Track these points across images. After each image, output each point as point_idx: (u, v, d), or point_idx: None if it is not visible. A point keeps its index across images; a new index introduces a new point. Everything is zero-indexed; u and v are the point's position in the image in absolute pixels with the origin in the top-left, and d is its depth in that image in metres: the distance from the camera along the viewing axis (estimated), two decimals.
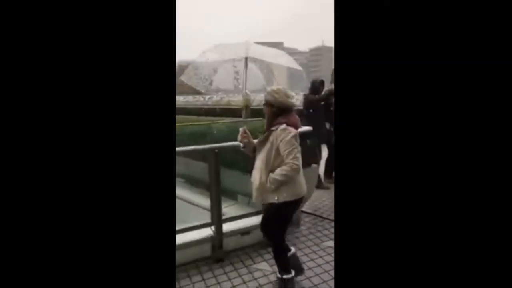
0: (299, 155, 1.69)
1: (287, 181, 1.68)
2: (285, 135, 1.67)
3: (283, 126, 1.69)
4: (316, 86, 3.86)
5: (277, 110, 1.74)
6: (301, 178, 1.79)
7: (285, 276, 1.83)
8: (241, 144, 1.86)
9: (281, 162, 1.69)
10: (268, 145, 1.72)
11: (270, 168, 1.70)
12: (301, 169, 1.75)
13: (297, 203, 1.80)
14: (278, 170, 1.68)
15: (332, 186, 4.04)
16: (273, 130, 1.72)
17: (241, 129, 1.86)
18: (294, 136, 1.69)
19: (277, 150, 1.69)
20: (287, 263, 1.86)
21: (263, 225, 1.86)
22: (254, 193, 1.78)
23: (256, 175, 1.75)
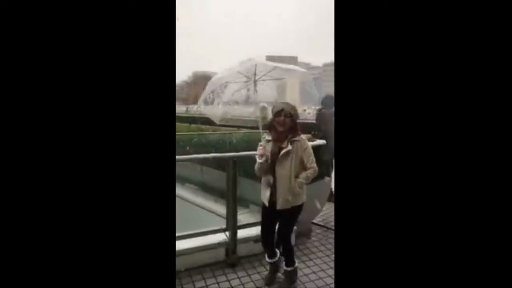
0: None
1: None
2: (306, 144, 1.92)
3: (304, 136, 1.94)
4: (329, 101, 3.95)
5: (294, 122, 1.90)
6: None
7: (291, 268, 2.07)
8: (260, 158, 1.89)
9: (302, 168, 1.91)
10: (293, 154, 1.87)
11: (295, 175, 1.89)
12: None
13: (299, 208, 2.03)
14: (303, 174, 1.89)
15: None
16: (296, 141, 1.89)
17: (260, 147, 1.90)
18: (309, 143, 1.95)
19: (301, 158, 1.89)
20: (293, 255, 2.11)
21: (289, 226, 2.04)
22: (283, 198, 1.90)
23: (286, 182, 1.88)
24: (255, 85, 2.02)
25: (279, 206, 1.91)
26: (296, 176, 1.88)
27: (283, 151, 1.88)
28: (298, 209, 1.97)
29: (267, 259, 2.13)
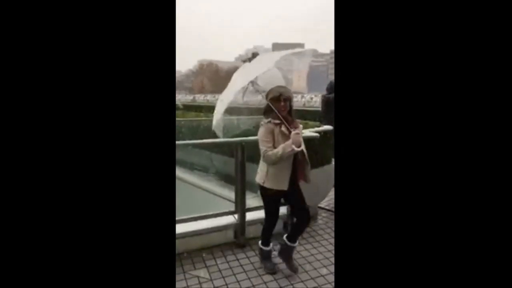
0: None
1: None
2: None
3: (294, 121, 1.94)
4: (333, 86, 3.92)
5: (291, 105, 1.94)
6: None
7: (295, 244, 2.11)
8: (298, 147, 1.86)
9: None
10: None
11: None
12: None
13: None
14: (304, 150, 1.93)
15: None
16: (298, 123, 1.95)
17: (296, 135, 1.83)
18: None
19: None
20: (267, 237, 2.16)
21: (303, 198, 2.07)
22: (307, 174, 1.99)
23: (306, 159, 1.96)
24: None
25: (308, 181, 2.01)
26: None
27: (296, 131, 1.83)
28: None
29: (266, 247, 2.14)
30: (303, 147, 1.87)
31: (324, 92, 4.01)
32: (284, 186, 1.93)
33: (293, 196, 2.02)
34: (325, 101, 3.92)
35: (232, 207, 2.53)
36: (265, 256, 2.16)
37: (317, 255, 2.33)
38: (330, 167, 3.26)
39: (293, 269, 2.08)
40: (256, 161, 2.93)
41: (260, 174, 2.00)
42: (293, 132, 1.82)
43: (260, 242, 2.17)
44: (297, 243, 2.13)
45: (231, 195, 2.61)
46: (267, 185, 1.95)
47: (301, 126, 1.96)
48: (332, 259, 2.26)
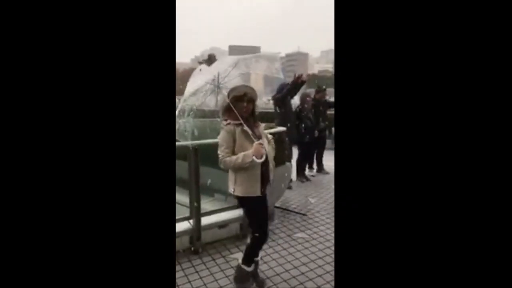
0: None
1: None
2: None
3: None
4: (281, 87, 3.97)
5: (254, 106, 1.81)
6: None
7: (244, 267, 1.87)
8: (261, 158, 1.72)
9: None
10: (265, 138, 1.84)
11: None
12: None
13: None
14: (272, 152, 1.87)
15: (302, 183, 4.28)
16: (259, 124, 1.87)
17: (259, 146, 1.71)
18: None
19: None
20: (254, 256, 1.89)
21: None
22: (271, 179, 1.84)
23: (271, 163, 1.84)
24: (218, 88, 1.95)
25: (269, 189, 1.86)
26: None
27: (259, 142, 1.72)
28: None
29: (247, 267, 1.87)
30: (265, 157, 1.72)
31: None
32: (256, 191, 1.75)
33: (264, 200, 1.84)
34: (275, 102, 4.01)
35: (187, 213, 2.46)
36: (244, 279, 1.89)
37: (273, 254, 2.36)
38: (285, 167, 3.34)
39: (261, 285, 1.94)
40: (209, 165, 2.89)
41: (230, 182, 1.81)
42: (255, 143, 1.68)
43: (241, 260, 1.89)
44: (252, 266, 1.88)
45: (185, 199, 2.54)
46: (237, 193, 1.77)
47: (263, 127, 1.88)
48: (289, 257, 2.31)
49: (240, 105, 1.73)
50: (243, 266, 1.88)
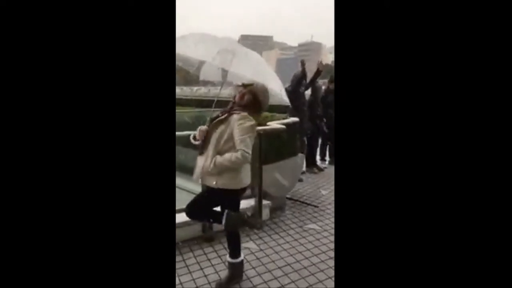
0: (251, 145, 1.66)
1: (232, 168, 1.65)
2: (244, 121, 1.64)
3: (245, 113, 1.68)
4: (293, 79, 3.98)
5: (250, 102, 1.73)
6: (247, 169, 1.79)
7: (236, 260, 1.90)
8: (195, 141, 1.78)
9: (231, 147, 1.66)
10: (222, 127, 1.69)
11: (220, 151, 1.68)
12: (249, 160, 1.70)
13: (236, 192, 1.76)
14: (227, 155, 1.63)
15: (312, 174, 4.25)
16: (233, 114, 1.69)
17: (202, 129, 1.76)
18: (253, 126, 1.67)
19: (231, 134, 1.66)
20: (238, 246, 1.91)
21: (195, 202, 1.79)
22: (197, 172, 1.73)
23: (209, 153, 1.69)
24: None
25: (194, 176, 1.75)
26: (220, 153, 1.67)
27: (216, 120, 1.71)
28: (211, 191, 1.74)
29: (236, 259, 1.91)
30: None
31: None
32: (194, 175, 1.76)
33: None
34: (289, 93, 3.97)
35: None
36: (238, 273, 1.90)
37: (284, 244, 2.37)
38: (297, 158, 3.32)
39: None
40: None
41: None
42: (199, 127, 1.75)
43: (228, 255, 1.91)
44: (242, 256, 1.92)
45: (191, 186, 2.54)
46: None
47: (223, 116, 1.72)
48: (300, 248, 2.32)
49: (238, 89, 1.79)
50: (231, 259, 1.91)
